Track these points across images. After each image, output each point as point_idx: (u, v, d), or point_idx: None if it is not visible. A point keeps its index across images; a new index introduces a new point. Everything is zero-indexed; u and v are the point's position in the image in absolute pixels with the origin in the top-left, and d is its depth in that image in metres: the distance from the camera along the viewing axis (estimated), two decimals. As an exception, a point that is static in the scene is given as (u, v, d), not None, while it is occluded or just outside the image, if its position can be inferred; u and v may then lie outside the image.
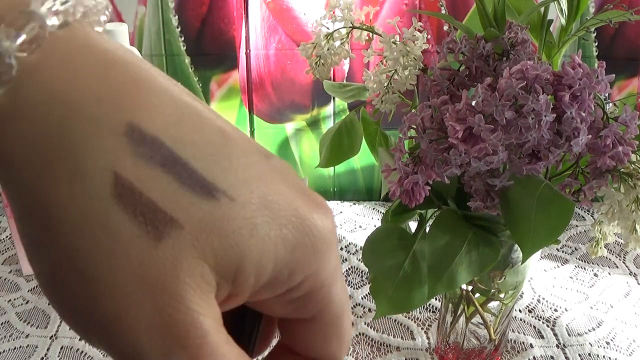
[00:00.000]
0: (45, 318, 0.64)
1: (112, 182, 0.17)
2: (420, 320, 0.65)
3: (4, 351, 0.60)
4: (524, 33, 0.43)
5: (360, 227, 0.83)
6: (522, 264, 0.48)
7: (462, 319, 0.55)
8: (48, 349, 0.60)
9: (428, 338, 0.63)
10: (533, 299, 0.69)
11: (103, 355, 0.60)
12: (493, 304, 0.54)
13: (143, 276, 0.17)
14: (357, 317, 0.66)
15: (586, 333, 0.64)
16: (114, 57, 0.18)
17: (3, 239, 0.77)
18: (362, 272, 0.73)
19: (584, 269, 0.75)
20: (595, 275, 0.74)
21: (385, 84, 0.49)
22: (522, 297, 0.69)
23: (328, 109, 0.85)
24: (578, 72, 0.36)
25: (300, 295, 0.20)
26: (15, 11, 0.17)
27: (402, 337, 0.63)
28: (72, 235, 0.17)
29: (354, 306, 0.67)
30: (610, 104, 0.43)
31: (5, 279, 0.70)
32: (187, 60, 0.81)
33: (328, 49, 0.52)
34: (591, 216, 0.86)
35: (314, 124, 0.86)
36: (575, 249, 0.79)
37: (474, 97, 0.37)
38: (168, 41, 0.80)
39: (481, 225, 0.45)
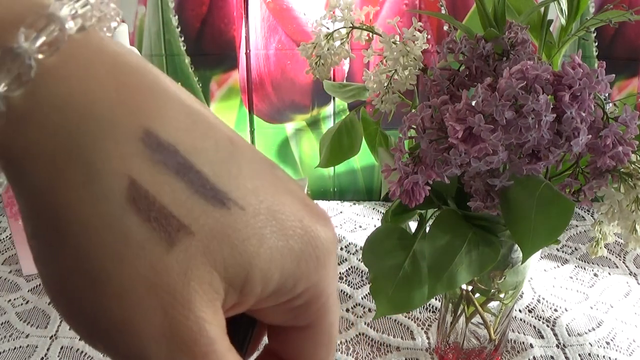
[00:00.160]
0: (45, 318, 0.64)
1: (126, 186, 0.17)
2: (420, 320, 0.65)
3: (4, 351, 0.60)
4: (524, 33, 0.43)
5: (360, 227, 0.83)
6: (522, 264, 0.48)
7: (462, 319, 0.55)
8: (48, 349, 0.60)
9: (428, 338, 0.63)
10: (533, 299, 0.69)
11: (103, 356, 0.60)
12: (493, 304, 0.54)
13: (153, 281, 0.17)
14: (357, 317, 0.66)
15: (586, 333, 0.64)
16: (128, 63, 0.18)
17: (3, 239, 0.77)
18: (362, 272, 0.73)
19: (584, 269, 0.75)
20: (595, 275, 0.74)
21: (385, 84, 0.49)
22: (522, 297, 0.69)
23: (328, 109, 0.85)
24: (578, 72, 0.36)
25: (301, 304, 0.20)
26: (34, 13, 0.17)
27: (402, 337, 0.63)
28: (84, 237, 0.17)
29: (354, 306, 0.67)
30: (610, 104, 0.43)
31: (5, 279, 0.70)
32: (187, 60, 0.81)
33: (328, 49, 0.52)
34: (591, 216, 0.86)
35: (314, 124, 0.86)
36: (575, 249, 0.79)
37: (474, 97, 0.37)
38: (168, 41, 0.80)
39: (481, 225, 0.45)
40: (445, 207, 0.46)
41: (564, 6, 0.46)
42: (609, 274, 0.74)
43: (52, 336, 0.62)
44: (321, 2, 0.79)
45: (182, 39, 0.80)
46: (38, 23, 0.17)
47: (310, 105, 0.85)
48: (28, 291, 0.68)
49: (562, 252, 0.78)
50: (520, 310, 0.67)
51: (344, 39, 0.52)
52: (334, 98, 0.84)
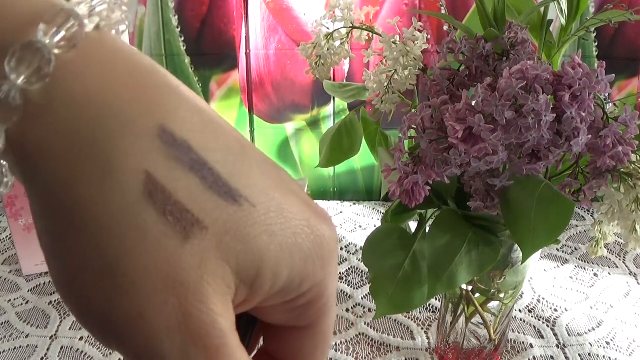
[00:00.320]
0: (45, 318, 0.64)
1: (143, 181, 0.17)
2: (420, 320, 0.65)
3: (4, 351, 0.60)
4: (524, 33, 0.43)
5: (360, 227, 0.83)
6: (522, 264, 0.48)
7: (462, 319, 0.55)
8: (48, 349, 0.60)
9: (428, 338, 0.63)
10: (533, 299, 0.69)
11: (103, 356, 0.60)
12: (493, 304, 0.54)
13: (169, 274, 0.17)
14: (357, 317, 0.66)
15: (586, 333, 0.64)
16: (142, 62, 0.19)
17: (3, 239, 0.77)
18: (362, 272, 0.73)
19: (584, 269, 0.75)
20: (595, 275, 0.74)
21: (385, 84, 0.49)
22: (522, 297, 0.69)
23: (328, 109, 0.85)
24: (578, 72, 0.36)
25: (303, 303, 0.20)
26: (54, 9, 0.17)
27: (402, 337, 0.63)
28: (100, 231, 0.17)
29: (354, 306, 0.67)
30: (610, 104, 0.43)
31: (5, 279, 0.70)
32: (187, 60, 0.81)
33: (328, 49, 0.52)
34: (591, 216, 0.86)
35: (314, 124, 0.86)
36: (575, 249, 0.79)
37: (474, 97, 0.38)
38: (168, 41, 0.80)
39: (481, 225, 0.45)
40: (445, 207, 0.46)
41: (564, 6, 0.46)
42: (609, 274, 0.74)
43: (52, 336, 0.62)
44: (321, 2, 0.79)
45: (182, 39, 0.80)
46: (57, 19, 0.17)
47: (310, 105, 0.85)
48: (28, 291, 0.68)
49: (562, 252, 0.78)
50: (520, 310, 0.67)
51: (344, 39, 0.52)
52: (334, 98, 0.84)
